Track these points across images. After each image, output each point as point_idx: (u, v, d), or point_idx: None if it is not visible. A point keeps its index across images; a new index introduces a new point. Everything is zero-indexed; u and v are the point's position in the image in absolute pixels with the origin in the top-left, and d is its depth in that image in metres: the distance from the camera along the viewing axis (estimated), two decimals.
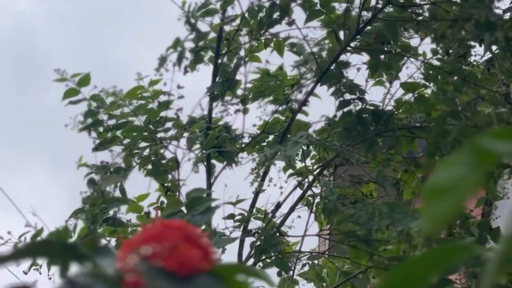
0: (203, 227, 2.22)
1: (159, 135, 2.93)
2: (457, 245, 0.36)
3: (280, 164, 3.05)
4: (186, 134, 2.94)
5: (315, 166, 3.24)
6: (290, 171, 3.18)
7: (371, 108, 3.06)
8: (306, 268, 3.21)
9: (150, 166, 2.87)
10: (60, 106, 2.84)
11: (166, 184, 2.83)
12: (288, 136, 2.91)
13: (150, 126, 2.88)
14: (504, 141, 0.38)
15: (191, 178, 2.88)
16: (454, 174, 0.43)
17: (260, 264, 2.67)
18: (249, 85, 3.14)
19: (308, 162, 3.26)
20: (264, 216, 2.83)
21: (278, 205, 2.87)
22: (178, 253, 0.58)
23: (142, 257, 0.59)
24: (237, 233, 2.67)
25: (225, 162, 2.86)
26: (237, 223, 2.68)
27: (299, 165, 3.18)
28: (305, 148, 3.08)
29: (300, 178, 3.14)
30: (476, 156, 0.43)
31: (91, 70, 2.88)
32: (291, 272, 3.03)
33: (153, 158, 2.90)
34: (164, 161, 2.87)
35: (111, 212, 2.27)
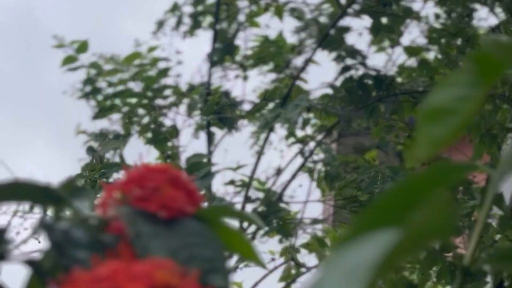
0: (203, 192, 2.20)
1: (158, 102, 2.89)
2: (453, 164, 0.33)
3: (282, 132, 3.02)
4: (185, 101, 2.91)
5: (316, 133, 3.20)
6: (292, 139, 3.15)
7: (373, 73, 3.02)
8: (308, 238, 3.19)
9: (149, 134, 2.84)
10: (63, 81, 2.82)
11: (166, 152, 2.81)
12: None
13: (149, 93, 2.85)
14: (504, 50, 0.35)
15: (191, 146, 2.85)
16: (454, 94, 0.40)
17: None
18: (249, 51, 3.10)
19: (309, 130, 3.23)
20: (265, 183, 2.80)
21: (279, 171, 2.84)
22: (162, 196, 0.55)
23: (124, 200, 0.56)
24: (238, 199, 2.65)
25: (225, 129, 2.82)
26: (237, 189, 2.66)
27: (300, 133, 3.15)
28: (305, 116, 3.04)
29: (301, 146, 3.11)
30: (476, 74, 0.39)
31: (90, 40, 2.85)
32: (293, 239, 3.01)
33: (152, 126, 2.87)
34: (163, 129, 2.84)
35: (110, 179, 2.25)
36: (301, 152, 3.08)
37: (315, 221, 3.03)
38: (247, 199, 2.62)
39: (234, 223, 0.58)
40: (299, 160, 2.97)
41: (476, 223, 0.35)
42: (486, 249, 2.52)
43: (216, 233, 0.54)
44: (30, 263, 0.53)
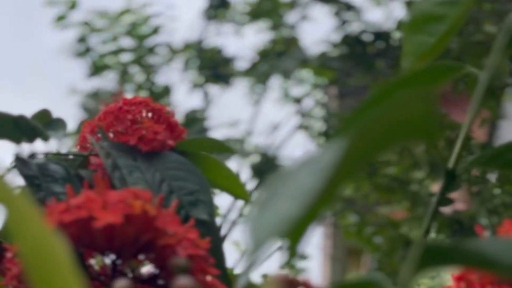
0: None
1: (152, 59, 2.86)
2: (442, 64, 0.30)
3: (278, 90, 2.99)
4: (179, 58, 2.88)
5: (314, 90, 3.18)
6: (289, 97, 3.13)
7: (371, 28, 2.99)
8: None
9: (144, 92, 2.82)
10: (57, 41, 2.79)
11: None
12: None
13: (142, 50, 2.82)
14: None
15: (186, 103, 2.83)
16: None
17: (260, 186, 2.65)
18: (244, 8, 3.06)
19: (307, 89, 3.20)
20: (260, 149, 2.79)
21: (275, 127, 2.82)
22: (141, 128, 0.53)
23: (102, 134, 0.54)
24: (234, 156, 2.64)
25: (221, 85, 2.80)
26: (234, 145, 2.65)
27: (296, 91, 3.12)
28: (303, 73, 3.02)
29: (298, 104, 3.09)
30: None
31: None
32: None
33: (146, 82, 2.85)
34: (157, 87, 2.82)
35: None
36: (299, 110, 3.06)
37: None
38: (243, 155, 2.61)
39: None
40: (296, 118, 2.96)
41: (462, 126, 0.33)
42: (485, 203, 2.51)
43: (199, 166, 0.52)
44: None
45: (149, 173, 0.49)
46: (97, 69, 2.74)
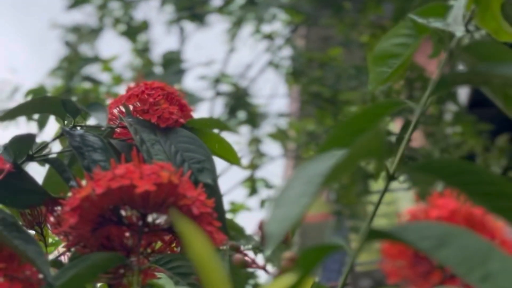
0: (177, 86, 2.30)
1: None
2: (388, 101, 0.45)
3: (250, 28, 3.09)
4: None
5: (284, 29, 3.29)
6: (260, 34, 3.23)
7: None
8: (272, 129, 3.34)
9: (122, 27, 2.89)
10: None
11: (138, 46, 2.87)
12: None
13: None
14: (430, 17, 0.47)
15: (163, 40, 2.93)
16: (396, 42, 0.52)
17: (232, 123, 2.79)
18: None
19: (278, 26, 3.31)
20: (233, 81, 2.91)
21: (247, 67, 2.95)
22: (159, 109, 0.67)
23: (128, 112, 0.68)
24: (209, 93, 2.77)
25: (197, 24, 2.89)
26: (208, 83, 2.77)
27: (267, 29, 3.23)
28: (274, 13, 3.11)
29: (269, 41, 3.20)
30: (413, 29, 0.52)
31: None
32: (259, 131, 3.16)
33: (124, 17, 2.92)
34: (135, 21, 2.90)
35: (86, 71, 2.34)
36: (269, 48, 3.18)
37: (280, 115, 3.18)
38: (217, 94, 2.74)
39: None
40: (267, 56, 3.08)
41: (400, 145, 0.48)
42: (438, 143, 2.69)
43: (203, 140, 0.67)
44: (53, 162, 0.66)
45: (166, 146, 0.64)
46: (76, 1, 2.80)
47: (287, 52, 3.08)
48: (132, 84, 0.69)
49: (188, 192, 0.58)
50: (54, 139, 0.65)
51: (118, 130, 0.68)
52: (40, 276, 0.56)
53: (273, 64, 3.08)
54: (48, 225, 0.69)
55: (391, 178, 0.45)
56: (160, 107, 0.66)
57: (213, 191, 0.61)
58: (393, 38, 0.53)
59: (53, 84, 2.24)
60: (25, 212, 0.67)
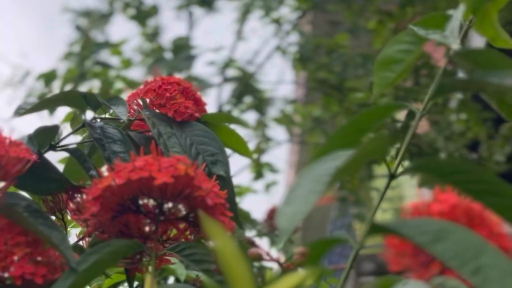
0: (185, 72, 2.34)
1: None
2: (390, 104, 0.49)
3: (258, 13, 3.11)
4: None
5: (292, 14, 3.31)
6: (268, 19, 3.26)
7: None
8: (278, 113, 3.38)
9: (131, 11, 2.92)
10: None
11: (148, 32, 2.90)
12: None
13: None
14: (429, 28, 0.51)
15: (172, 25, 2.96)
16: (400, 48, 0.56)
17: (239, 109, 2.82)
18: None
19: (285, 11, 3.33)
20: (241, 67, 2.93)
21: (255, 53, 2.97)
22: (175, 103, 0.71)
23: (145, 105, 0.72)
24: (217, 79, 2.80)
25: (206, 9, 2.91)
26: (217, 69, 2.79)
27: (275, 14, 3.25)
28: None
29: (277, 26, 3.22)
30: (415, 36, 0.55)
31: None
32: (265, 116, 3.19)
33: (133, 1, 2.94)
34: (145, 6, 2.92)
35: (98, 56, 2.36)
36: (277, 32, 3.20)
37: (287, 100, 3.21)
38: (225, 79, 2.77)
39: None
40: (274, 42, 3.10)
41: (405, 132, 0.52)
42: (442, 131, 2.72)
43: (216, 133, 0.70)
44: (74, 152, 0.69)
45: (182, 139, 0.68)
46: None
47: (294, 38, 3.10)
48: (149, 79, 0.73)
49: (203, 184, 0.62)
50: (75, 131, 0.69)
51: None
52: (63, 260, 0.59)
53: (280, 49, 3.11)
54: (68, 211, 0.72)
55: (392, 177, 0.49)
56: (176, 101, 0.70)
57: (225, 183, 0.65)
58: (397, 45, 0.56)
59: (64, 67, 2.28)
60: (47, 199, 0.71)
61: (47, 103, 0.64)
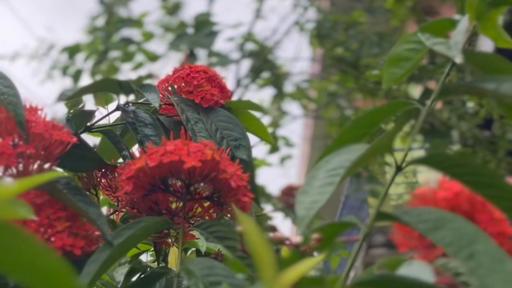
0: (207, 48, 2.38)
1: None
2: (398, 101, 0.54)
3: None
4: None
5: None
6: None
7: None
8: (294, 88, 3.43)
9: None
10: None
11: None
12: None
13: None
14: (434, 36, 0.56)
15: (192, 0, 2.99)
16: (408, 47, 0.61)
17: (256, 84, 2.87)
18: None
19: None
20: (260, 42, 2.97)
21: (273, 31, 3.02)
22: (202, 91, 0.76)
23: (174, 92, 0.78)
24: (236, 55, 2.84)
25: None
26: (236, 45, 2.84)
27: None
28: None
29: (296, 1, 3.25)
30: (422, 37, 0.61)
31: None
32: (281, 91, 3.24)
33: None
34: None
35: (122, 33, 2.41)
36: (295, 6, 3.24)
37: (303, 75, 3.26)
38: (243, 56, 2.81)
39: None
40: (292, 19, 3.13)
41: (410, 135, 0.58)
42: (455, 111, 2.76)
43: (240, 119, 0.76)
44: (108, 133, 0.75)
45: (208, 124, 0.74)
46: None
47: (312, 14, 3.14)
48: (177, 66, 0.78)
49: (228, 167, 0.67)
50: (109, 113, 0.75)
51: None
52: (99, 234, 0.65)
53: (298, 25, 3.14)
54: (101, 188, 0.78)
55: (399, 169, 0.54)
56: (203, 89, 0.76)
57: (247, 166, 0.71)
58: (405, 44, 0.62)
59: (88, 41, 2.33)
60: (82, 176, 0.77)
61: (88, 89, 0.70)
